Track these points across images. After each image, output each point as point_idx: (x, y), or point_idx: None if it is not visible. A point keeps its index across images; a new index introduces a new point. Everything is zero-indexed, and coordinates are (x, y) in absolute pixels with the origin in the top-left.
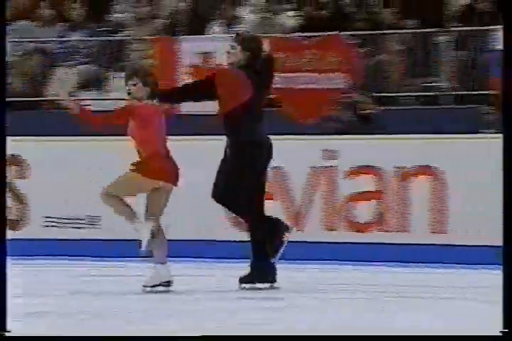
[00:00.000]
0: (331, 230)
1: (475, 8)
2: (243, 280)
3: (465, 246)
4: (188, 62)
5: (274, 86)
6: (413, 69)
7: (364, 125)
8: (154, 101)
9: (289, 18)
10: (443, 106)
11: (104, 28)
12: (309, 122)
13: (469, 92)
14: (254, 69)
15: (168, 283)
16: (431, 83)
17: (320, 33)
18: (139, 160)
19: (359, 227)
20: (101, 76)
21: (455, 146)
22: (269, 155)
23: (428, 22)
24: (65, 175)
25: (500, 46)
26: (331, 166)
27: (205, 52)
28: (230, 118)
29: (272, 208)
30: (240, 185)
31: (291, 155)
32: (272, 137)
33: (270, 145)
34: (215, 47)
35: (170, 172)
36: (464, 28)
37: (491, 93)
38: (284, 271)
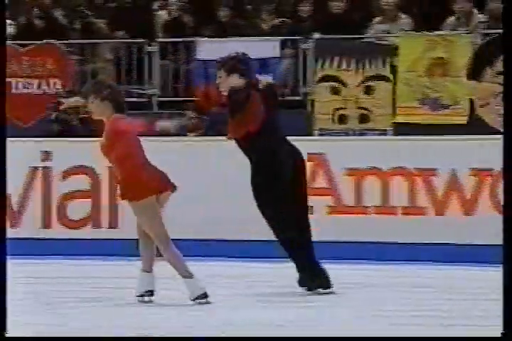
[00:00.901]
0: (47, 228)
1: (180, 22)
2: None
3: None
4: None
5: None
6: (125, 77)
7: (85, 127)
8: (122, 114)
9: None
10: (153, 111)
11: None
12: (28, 125)
13: (174, 99)
14: (252, 86)
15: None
16: (141, 90)
17: (35, 41)
18: (124, 186)
19: (73, 225)
20: None
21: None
22: (286, 167)
23: (138, 33)
24: None
25: (201, 56)
26: (47, 167)
27: None
28: (248, 138)
29: None
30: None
31: (12, 156)
32: None
33: (289, 157)
34: None
35: (162, 181)
36: (170, 39)
37: (194, 99)
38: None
